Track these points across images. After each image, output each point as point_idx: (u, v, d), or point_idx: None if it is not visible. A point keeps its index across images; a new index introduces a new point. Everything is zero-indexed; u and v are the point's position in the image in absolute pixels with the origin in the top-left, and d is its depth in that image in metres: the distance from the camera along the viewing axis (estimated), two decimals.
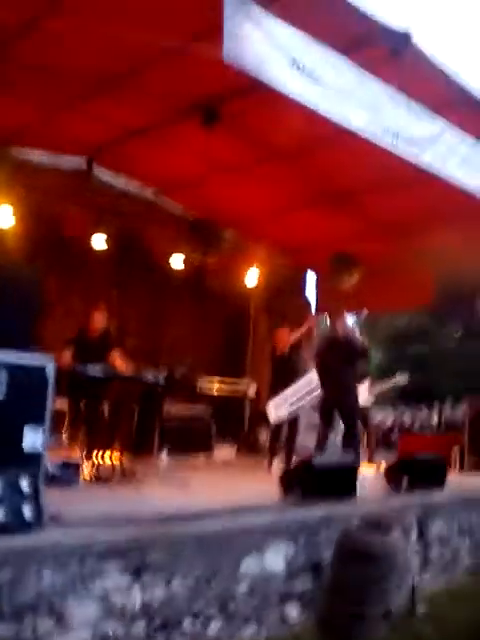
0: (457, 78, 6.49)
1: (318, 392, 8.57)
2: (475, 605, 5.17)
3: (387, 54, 5.78)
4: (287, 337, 8.72)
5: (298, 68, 5.09)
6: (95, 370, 6.41)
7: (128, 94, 6.65)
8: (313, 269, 11.94)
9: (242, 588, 4.26)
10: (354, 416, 8.08)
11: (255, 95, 6.48)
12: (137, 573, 3.72)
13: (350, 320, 8.77)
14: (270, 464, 8.24)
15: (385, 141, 5.79)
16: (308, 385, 8.37)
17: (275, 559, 4.50)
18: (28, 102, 6.85)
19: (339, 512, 5.06)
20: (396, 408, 17.61)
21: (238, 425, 10.94)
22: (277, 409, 8.19)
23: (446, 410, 12.55)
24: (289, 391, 8.25)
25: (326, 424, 8.26)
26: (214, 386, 10.18)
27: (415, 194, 8.00)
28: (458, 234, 8.69)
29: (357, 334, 8.63)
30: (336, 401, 8.04)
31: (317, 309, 12.36)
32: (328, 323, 8.85)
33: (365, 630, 4.27)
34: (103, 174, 9.14)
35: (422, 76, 5.97)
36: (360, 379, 9.32)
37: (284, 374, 8.49)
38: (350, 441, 7.85)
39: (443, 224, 8.84)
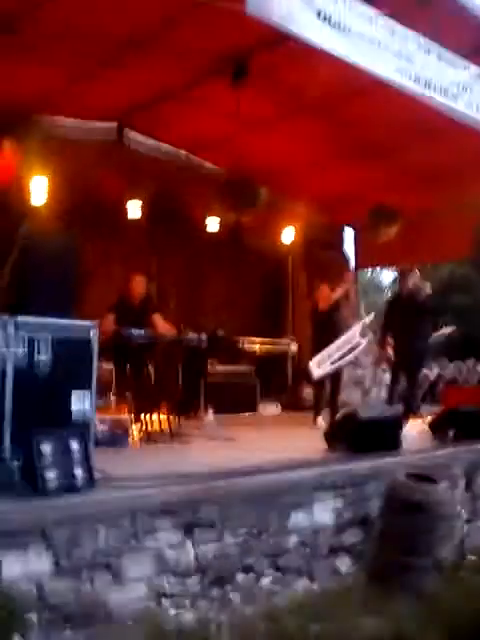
0: None
1: (360, 348, 8.56)
2: None
3: (415, 1, 5.65)
4: (328, 294, 8.70)
5: (325, 19, 4.99)
6: (139, 334, 6.48)
7: (154, 55, 6.57)
8: (350, 224, 11.83)
9: (292, 542, 4.33)
10: (416, 372, 8.59)
11: (283, 48, 6.38)
12: (189, 529, 3.81)
13: (416, 276, 8.74)
14: (315, 420, 8.29)
15: (417, 90, 5.68)
16: (349, 342, 8.33)
17: (323, 513, 4.56)
18: (55, 69, 6.80)
19: (385, 465, 5.08)
20: (440, 360, 17.45)
21: (282, 382, 11.01)
22: (319, 366, 8.19)
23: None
24: (331, 348, 8.23)
25: (395, 380, 8.69)
26: (256, 345, 10.22)
27: (450, 144, 7.83)
28: None
29: (425, 290, 8.63)
30: (403, 357, 8.47)
31: (357, 264, 12.29)
32: (398, 280, 8.88)
33: (415, 580, 4.31)
34: (134, 138, 9.10)
35: (452, 22, 5.82)
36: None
37: (325, 331, 8.48)
38: (409, 394, 8.31)
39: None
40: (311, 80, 6.62)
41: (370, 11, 5.33)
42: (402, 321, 8.48)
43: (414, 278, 8.71)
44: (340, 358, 8.26)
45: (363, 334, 8.54)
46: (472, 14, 6.05)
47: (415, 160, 8.85)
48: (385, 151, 8.80)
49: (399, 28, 5.54)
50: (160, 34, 6.31)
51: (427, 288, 8.65)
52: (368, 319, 8.95)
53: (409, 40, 5.64)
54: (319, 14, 4.96)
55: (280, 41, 6.23)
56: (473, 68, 6.22)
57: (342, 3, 5.11)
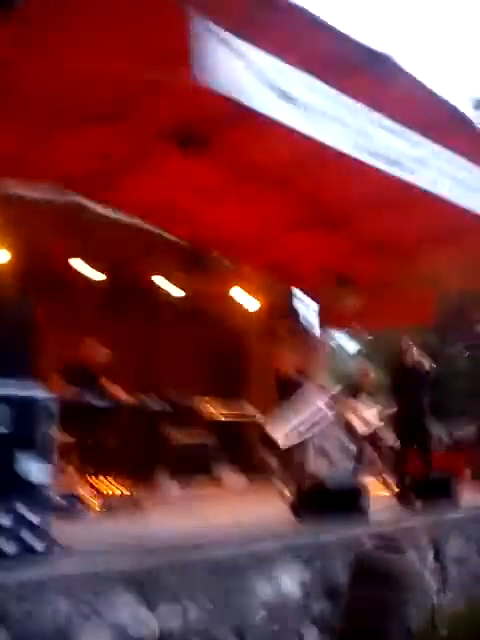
0: (443, 99, 6.59)
1: (326, 419, 8.52)
2: None
3: (372, 79, 5.88)
4: (290, 362, 8.70)
5: (282, 94, 5.14)
6: (98, 401, 6.38)
7: (109, 124, 6.65)
8: (311, 291, 11.96)
9: (259, 614, 4.18)
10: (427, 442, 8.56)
11: (238, 120, 6.53)
12: (152, 602, 3.66)
13: (416, 351, 8.80)
14: (281, 490, 8.15)
15: (376, 166, 5.86)
16: (316, 412, 8.31)
17: (291, 583, 4.44)
18: (7, 133, 6.82)
19: (353, 534, 4.99)
20: None
21: (245, 451, 10.86)
22: (286, 437, 8.12)
23: (455, 429, 12.44)
24: (298, 419, 8.19)
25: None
26: (218, 412, 10.11)
27: (407, 214, 8.04)
28: (458, 253, 8.74)
29: (424, 362, 8.70)
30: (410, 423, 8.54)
31: (320, 332, 12.37)
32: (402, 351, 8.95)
33: None
34: (89, 205, 9.15)
35: (409, 99, 6.06)
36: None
37: (289, 398, 8.43)
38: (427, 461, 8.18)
39: (438, 243, 8.90)
40: (266, 152, 6.79)
41: (325, 87, 5.52)
42: (408, 394, 8.59)
43: (415, 351, 8.79)
44: (307, 429, 8.22)
45: (329, 405, 8.54)
46: (428, 92, 6.30)
47: (374, 231, 9.06)
48: (343, 220, 9.00)
49: (355, 105, 5.75)
50: (115, 104, 6.39)
51: (426, 363, 8.73)
52: (334, 390, 8.96)
53: (367, 117, 5.85)
54: (273, 88, 5.09)
55: (235, 114, 6.40)
56: (429, 144, 6.46)
57: (297, 80, 5.29)
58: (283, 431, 8.12)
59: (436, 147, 6.48)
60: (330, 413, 8.49)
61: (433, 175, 6.48)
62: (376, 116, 5.87)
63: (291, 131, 5.23)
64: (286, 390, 8.54)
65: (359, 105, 5.74)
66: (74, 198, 8.78)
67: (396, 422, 8.95)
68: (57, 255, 8.51)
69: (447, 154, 6.61)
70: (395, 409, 9.06)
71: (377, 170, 5.91)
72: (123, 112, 6.46)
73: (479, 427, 9.11)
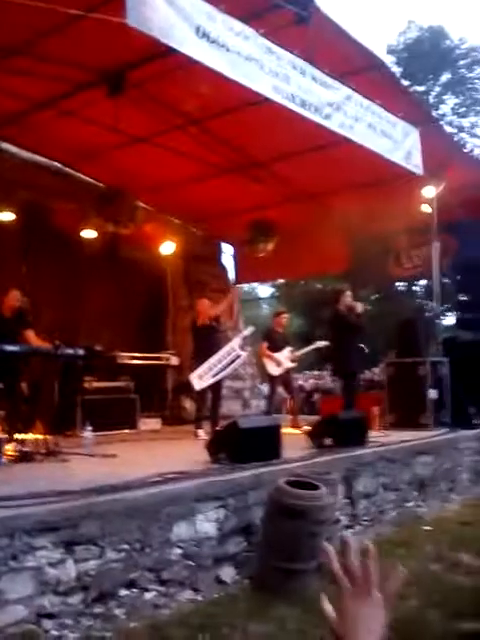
0: (361, 45, 6.61)
1: (240, 360, 8.71)
2: (400, 555, 5.36)
3: (292, 21, 5.83)
4: (207, 308, 8.77)
5: (204, 35, 5.07)
6: (12, 347, 6.26)
7: (31, 65, 6.44)
8: (228, 238, 11.99)
9: (175, 554, 4.28)
10: (350, 379, 9.19)
11: (161, 64, 6.43)
12: (70, 547, 3.69)
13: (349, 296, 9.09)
14: (196, 432, 8.30)
15: (292, 108, 5.86)
16: (229, 354, 8.45)
17: (206, 523, 4.54)
18: None
19: (267, 473, 5.12)
20: (316, 372, 17.93)
21: (162, 396, 10.95)
22: (201, 378, 8.23)
23: (366, 371, 12.84)
24: (212, 360, 8.30)
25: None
26: (135, 360, 10.11)
27: (325, 160, 8.14)
28: (370, 198, 8.90)
29: (357, 309, 8.96)
30: (339, 368, 9.13)
31: (236, 279, 12.46)
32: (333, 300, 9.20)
33: (298, 584, 4.37)
34: (7, 148, 8.87)
35: (327, 44, 6.05)
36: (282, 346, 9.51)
37: (206, 344, 8.53)
38: (348, 398, 8.87)
39: (355, 188, 9.05)
40: (188, 96, 6.70)
41: (248, 30, 5.46)
42: (338, 337, 8.93)
43: (348, 298, 8.98)
44: (221, 370, 8.35)
45: (242, 347, 8.67)
46: (346, 37, 6.30)
47: (291, 175, 9.12)
48: (261, 166, 9.02)
49: (276, 48, 5.71)
50: (38, 43, 6.18)
51: (359, 307, 8.96)
52: (247, 332, 9.10)
53: (285, 60, 5.82)
54: (197, 30, 5.03)
55: (158, 56, 6.27)
56: (344, 89, 6.48)
57: (221, 21, 5.21)
58: (197, 373, 8.22)
59: (352, 92, 6.53)
60: (243, 354, 8.67)
61: (349, 121, 6.54)
62: (295, 60, 5.85)
63: (210, 72, 5.17)
64: (202, 336, 8.63)
65: (278, 48, 5.71)
66: None
67: (345, 362, 9.18)
68: None
69: (362, 100, 6.67)
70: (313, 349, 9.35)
71: (294, 114, 5.92)
72: (50, 50, 6.21)
73: (386, 368, 9.40)
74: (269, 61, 5.67)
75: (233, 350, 8.53)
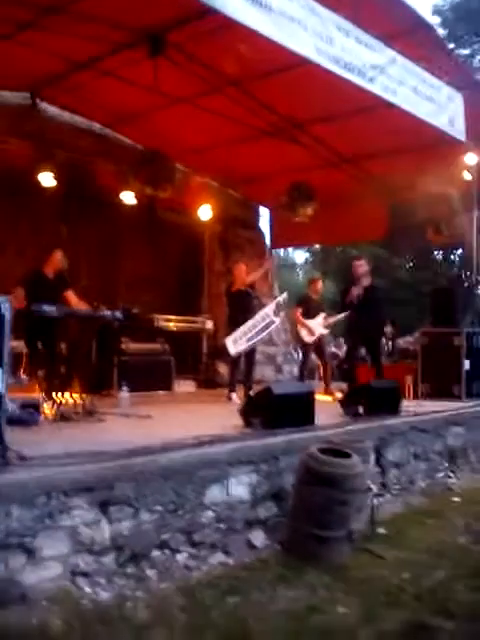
0: (407, 5, 6.44)
1: (274, 326, 8.70)
2: (429, 525, 5.37)
3: None
4: (244, 274, 8.76)
5: None
6: (51, 309, 6.33)
7: (72, 24, 6.38)
8: (266, 202, 11.89)
9: (207, 517, 4.35)
10: (377, 348, 9.24)
11: (202, 24, 6.35)
12: (104, 507, 3.77)
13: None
14: (229, 396, 8.35)
15: (335, 71, 5.73)
16: (264, 320, 8.43)
17: (239, 487, 4.60)
18: None
19: (299, 439, 5.15)
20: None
21: (196, 360, 11.02)
22: (235, 343, 8.25)
23: (399, 340, 12.72)
24: (247, 326, 8.30)
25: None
26: (171, 323, 10.17)
27: (368, 124, 7.98)
28: (411, 165, 8.73)
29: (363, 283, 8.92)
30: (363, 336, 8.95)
31: (272, 244, 12.39)
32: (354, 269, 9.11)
33: (328, 551, 4.41)
34: (48, 109, 8.87)
35: (372, 3, 5.90)
36: (316, 313, 9.47)
37: (240, 309, 8.54)
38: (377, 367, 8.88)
39: (396, 154, 8.87)
40: (229, 57, 6.61)
41: None
42: (361, 306, 8.78)
43: (366, 267, 9.01)
44: (255, 336, 8.35)
45: (276, 313, 8.65)
46: None
47: (332, 139, 9.00)
48: (302, 129, 8.90)
49: (320, 8, 5.57)
50: (79, 2, 6.10)
51: (364, 281, 8.94)
52: (281, 298, 9.05)
53: (329, 21, 5.68)
54: None
55: (199, 17, 6.19)
56: (389, 52, 6.33)
57: None
58: (232, 338, 8.24)
59: (396, 55, 6.38)
60: (277, 320, 8.64)
61: (392, 84, 6.40)
62: (339, 20, 5.71)
63: (252, 32, 5.07)
64: (237, 301, 8.63)
65: (322, 9, 5.57)
66: (27, 99, 8.47)
67: (349, 334, 9.24)
68: (15, 161, 8.20)
69: (407, 63, 6.51)
70: (344, 317, 9.27)
71: (337, 77, 5.80)
72: (90, 9, 6.15)
73: (421, 337, 9.31)
74: (313, 22, 5.53)
75: (267, 316, 8.52)
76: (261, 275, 9.47)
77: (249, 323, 8.33)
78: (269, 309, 8.63)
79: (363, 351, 9.31)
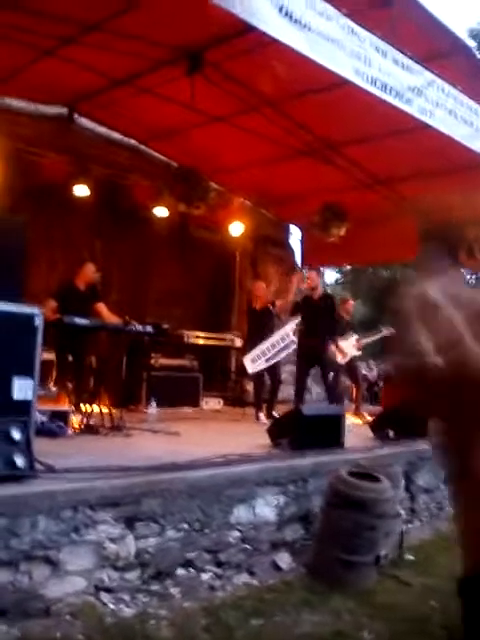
0: (446, 28, 6.41)
1: (293, 346, 8.60)
2: (458, 553, 5.25)
3: (375, 2, 5.68)
4: (263, 292, 8.70)
5: (287, 14, 4.97)
6: (83, 321, 6.36)
7: (112, 41, 6.45)
8: (298, 222, 11.87)
9: (233, 537, 4.30)
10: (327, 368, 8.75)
11: (240, 43, 6.36)
12: (130, 523, 3.75)
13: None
14: (257, 416, 8.30)
15: (373, 92, 5.71)
16: (283, 340, 8.39)
17: (265, 508, 4.55)
18: (8, 48, 6.62)
19: (328, 462, 5.10)
20: (380, 361, 17.66)
21: (225, 377, 11.00)
22: (254, 362, 8.22)
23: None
24: (265, 344, 8.28)
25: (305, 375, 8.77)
26: (200, 339, 10.17)
27: (403, 146, 7.92)
28: (443, 186, 8.64)
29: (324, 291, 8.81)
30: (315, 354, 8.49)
31: (302, 263, 12.35)
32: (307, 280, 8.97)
33: (355, 576, 4.34)
34: (84, 124, 8.96)
35: (410, 27, 5.87)
36: (343, 333, 9.39)
37: (260, 328, 8.49)
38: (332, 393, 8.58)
39: (430, 176, 8.80)
40: (265, 77, 6.60)
41: (330, 9, 5.33)
42: (316, 320, 8.51)
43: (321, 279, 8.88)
44: (274, 355, 8.31)
45: (296, 332, 8.57)
46: (430, 20, 6.12)
47: (366, 160, 8.95)
48: (336, 150, 8.86)
49: (358, 29, 5.56)
50: (119, 19, 6.18)
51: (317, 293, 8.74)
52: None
53: (367, 41, 5.66)
54: (280, 9, 4.93)
55: (238, 35, 6.21)
56: (427, 74, 6.29)
57: (303, 0, 5.09)
58: (250, 356, 8.20)
59: (434, 77, 6.34)
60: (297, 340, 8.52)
61: (429, 106, 6.35)
62: (377, 41, 5.69)
63: (290, 52, 5.07)
64: (257, 318, 8.60)
65: (361, 29, 5.56)
66: (71, 117, 8.58)
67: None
68: (51, 175, 8.30)
69: (444, 85, 6.47)
70: (379, 337, 9.16)
71: (373, 98, 5.78)
72: (129, 27, 6.22)
73: None
74: (351, 42, 5.51)
75: (287, 336, 8.46)
76: (288, 292, 9.40)
77: (268, 342, 8.30)
78: (289, 328, 8.57)
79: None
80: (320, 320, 8.47)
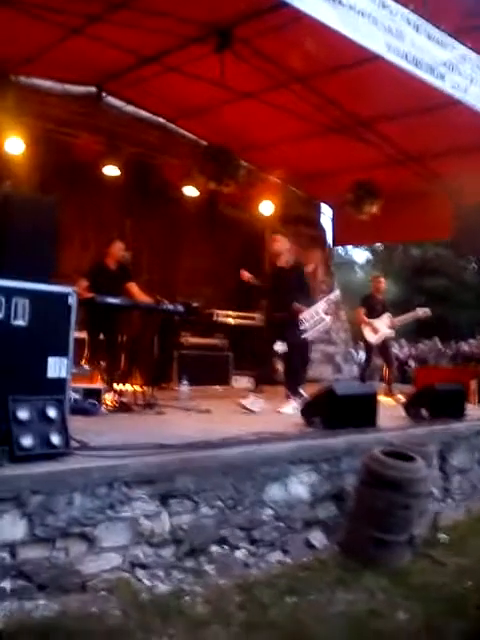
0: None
1: (323, 324, 8.29)
2: None
3: None
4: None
5: None
6: (115, 300, 6.39)
7: (140, 18, 6.40)
8: (329, 200, 11.77)
9: (267, 515, 4.31)
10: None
11: (269, 19, 6.28)
12: (165, 500, 3.77)
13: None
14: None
15: (405, 67, 5.60)
16: (312, 317, 8.21)
17: (299, 486, 4.55)
18: (36, 27, 6.61)
19: (361, 441, 5.07)
20: (411, 341, 17.55)
21: (254, 355, 10.97)
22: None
23: (462, 343, 12.44)
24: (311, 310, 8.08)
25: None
26: (230, 317, 10.16)
27: (435, 122, 7.79)
28: (477, 164, 8.50)
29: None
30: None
31: (333, 241, 12.26)
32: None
33: (388, 555, 4.33)
34: (113, 103, 8.95)
35: (442, 0, 5.74)
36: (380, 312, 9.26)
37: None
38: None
39: (463, 153, 8.65)
40: (296, 53, 6.53)
41: None
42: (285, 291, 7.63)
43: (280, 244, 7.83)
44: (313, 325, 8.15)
45: (326, 311, 8.32)
46: None
47: (399, 137, 8.81)
48: (368, 127, 8.74)
49: (390, 2, 5.45)
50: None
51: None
52: (333, 296, 8.66)
53: (399, 16, 5.55)
54: None
55: (267, 11, 6.13)
56: (460, 48, 6.15)
57: None
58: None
59: (468, 51, 6.20)
60: (327, 319, 8.21)
61: (463, 82, 6.23)
62: (409, 15, 5.58)
63: (321, 27, 4.98)
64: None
65: (392, 3, 5.45)
66: (99, 96, 8.56)
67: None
68: (81, 154, 8.30)
69: (478, 59, 6.32)
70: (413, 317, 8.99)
71: (405, 73, 5.67)
72: (157, 4, 6.17)
73: None
74: (383, 16, 5.40)
75: (317, 313, 8.30)
76: (312, 272, 9.13)
77: (312, 309, 8.12)
78: (319, 307, 8.38)
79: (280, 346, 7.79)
80: (287, 292, 7.53)
